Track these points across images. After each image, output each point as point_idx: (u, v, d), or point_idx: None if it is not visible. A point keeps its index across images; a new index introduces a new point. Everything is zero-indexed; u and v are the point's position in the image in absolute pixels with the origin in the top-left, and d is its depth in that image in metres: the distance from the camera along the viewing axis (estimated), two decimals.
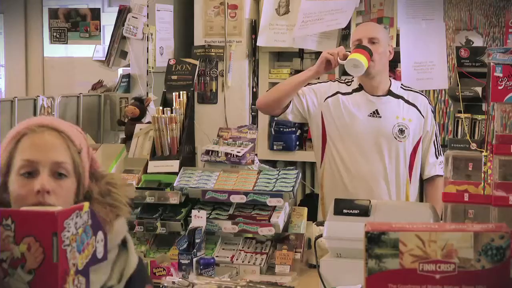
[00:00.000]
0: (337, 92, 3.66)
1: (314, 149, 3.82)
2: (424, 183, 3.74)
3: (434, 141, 3.67)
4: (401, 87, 3.69)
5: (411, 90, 3.70)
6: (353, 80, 3.69)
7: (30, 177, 1.77)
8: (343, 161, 3.62)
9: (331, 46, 4.71)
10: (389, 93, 3.64)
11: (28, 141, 1.80)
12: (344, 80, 3.76)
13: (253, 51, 4.95)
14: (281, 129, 4.88)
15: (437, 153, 3.68)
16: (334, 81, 3.76)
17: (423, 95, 3.73)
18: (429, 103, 3.71)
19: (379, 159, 3.59)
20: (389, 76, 3.79)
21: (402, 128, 3.59)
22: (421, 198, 3.79)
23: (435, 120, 3.78)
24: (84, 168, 1.85)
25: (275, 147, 4.91)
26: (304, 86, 3.67)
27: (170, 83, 4.88)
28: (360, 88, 3.65)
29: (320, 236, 2.88)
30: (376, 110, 3.60)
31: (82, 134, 1.89)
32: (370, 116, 3.60)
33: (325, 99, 3.66)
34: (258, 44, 4.87)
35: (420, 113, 3.63)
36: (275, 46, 4.86)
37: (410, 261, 1.08)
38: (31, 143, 1.80)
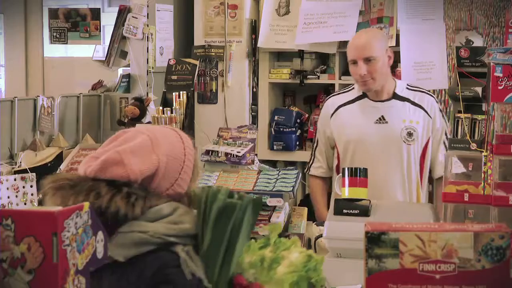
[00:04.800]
0: (339, 107, 3.58)
1: (328, 162, 3.71)
2: (434, 183, 3.65)
3: (443, 141, 3.55)
4: (407, 87, 3.58)
5: (418, 90, 3.58)
6: (353, 88, 3.60)
7: None
8: None
9: (331, 49, 4.72)
10: (394, 96, 3.53)
11: None
12: (342, 90, 3.68)
13: (253, 51, 4.95)
14: (281, 129, 4.88)
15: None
16: (328, 99, 3.67)
17: (430, 94, 3.61)
18: (436, 102, 3.60)
19: (391, 166, 3.50)
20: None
21: (410, 131, 3.49)
22: (429, 200, 3.73)
23: (446, 119, 3.66)
24: None
25: (275, 147, 4.90)
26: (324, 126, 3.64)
27: (170, 83, 4.89)
28: (363, 95, 3.55)
29: (320, 236, 2.88)
30: (382, 116, 3.51)
31: None
32: (376, 122, 3.51)
33: (330, 119, 3.59)
34: (258, 45, 4.88)
35: (428, 114, 3.53)
36: (276, 47, 4.86)
37: (410, 261, 1.08)
38: None
